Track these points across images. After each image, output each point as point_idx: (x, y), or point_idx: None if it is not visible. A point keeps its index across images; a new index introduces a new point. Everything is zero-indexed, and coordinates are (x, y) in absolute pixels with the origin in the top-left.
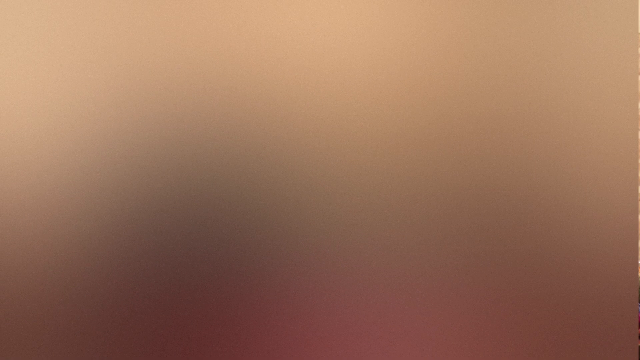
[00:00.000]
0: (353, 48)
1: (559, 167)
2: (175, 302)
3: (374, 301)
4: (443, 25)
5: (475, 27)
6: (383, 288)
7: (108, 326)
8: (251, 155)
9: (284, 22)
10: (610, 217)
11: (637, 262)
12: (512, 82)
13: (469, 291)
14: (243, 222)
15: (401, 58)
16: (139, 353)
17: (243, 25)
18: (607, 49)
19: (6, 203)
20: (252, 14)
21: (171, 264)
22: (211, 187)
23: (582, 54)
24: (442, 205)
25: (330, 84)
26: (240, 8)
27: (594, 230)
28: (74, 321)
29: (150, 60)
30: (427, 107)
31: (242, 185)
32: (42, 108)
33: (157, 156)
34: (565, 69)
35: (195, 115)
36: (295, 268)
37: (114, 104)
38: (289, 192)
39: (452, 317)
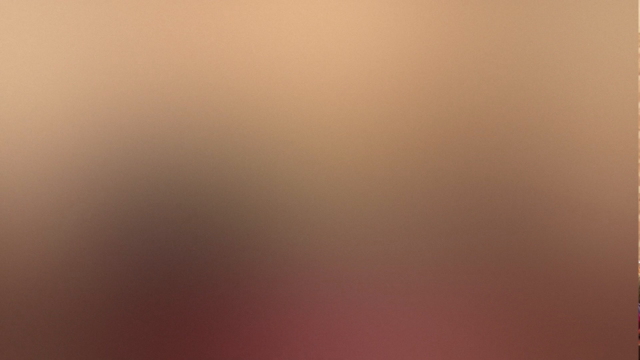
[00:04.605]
0: (352, 49)
1: (559, 167)
2: (173, 302)
3: (372, 302)
4: (443, 25)
5: (475, 27)
6: (382, 288)
7: (106, 326)
8: (250, 156)
9: (283, 23)
10: (610, 217)
11: (637, 262)
12: (512, 83)
13: (469, 291)
14: (241, 223)
15: (400, 59)
16: (137, 352)
17: (242, 26)
18: (607, 49)
19: (6, 203)
20: (251, 15)
21: (168, 264)
22: (209, 188)
23: (582, 54)
24: (441, 205)
25: (328, 85)
26: (239, 8)
27: (594, 230)
28: (71, 321)
29: (149, 61)
30: (427, 107)
31: (241, 185)
32: (42, 108)
33: (155, 156)
34: (565, 69)
35: (193, 116)
36: (294, 268)
37: (112, 104)
38: (288, 192)
39: (451, 317)
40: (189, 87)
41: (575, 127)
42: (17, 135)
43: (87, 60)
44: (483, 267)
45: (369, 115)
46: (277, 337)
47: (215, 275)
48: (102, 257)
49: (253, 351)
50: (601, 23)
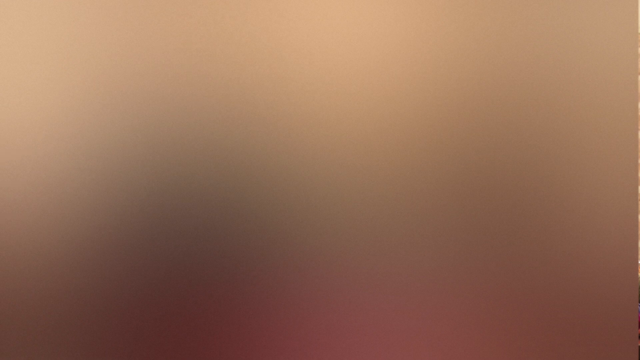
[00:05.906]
0: (352, 49)
1: (559, 167)
2: (173, 302)
3: (372, 301)
4: (443, 25)
5: (475, 27)
6: (382, 288)
7: (106, 326)
8: (250, 156)
9: (283, 23)
10: (610, 217)
11: (637, 262)
12: (512, 82)
13: (469, 291)
14: (241, 222)
15: (401, 59)
16: (138, 352)
17: (242, 26)
18: (607, 49)
19: (6, 203)
20: (252, 14)
21: (168, 264)
22: (210, 187)
23: (582, 54)
24: (441, 205)
25: (329, 85)
26: (240, 8)
27: (594, 230)
28: (71, 321)
29: (149, 60)
30: (427, 106)
31: (241, 185)
32: (42, 109)
33: (155, 156)
34: (565, 69)
35: (193, 115)
36: (294, 268)
37: (112, 103)
38: (289, 192)
39: (451, 317)
40: (190, 87)
41: (575, 127)
42: (17, 135)
43: (87, 60)
44: (483, 267)
45: (369, 115)
46: (277, 337)
47: (215, 275)
48: (102, 257)
49: (253, 351)
50: (601, 23)
